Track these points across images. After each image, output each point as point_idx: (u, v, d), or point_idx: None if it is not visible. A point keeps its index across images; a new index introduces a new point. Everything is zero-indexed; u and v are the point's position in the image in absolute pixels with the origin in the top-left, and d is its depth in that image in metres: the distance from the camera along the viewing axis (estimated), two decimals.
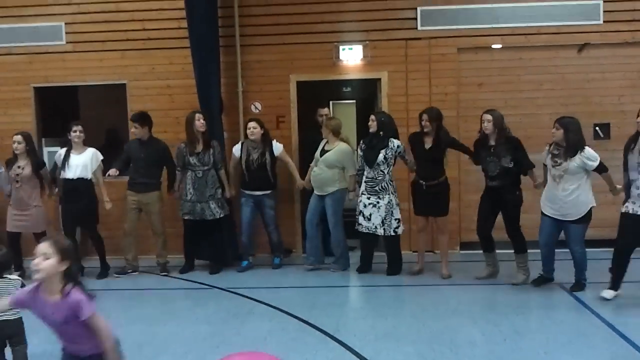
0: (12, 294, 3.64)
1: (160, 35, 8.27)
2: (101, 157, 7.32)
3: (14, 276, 4.32)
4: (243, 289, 6.70)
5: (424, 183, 6.90)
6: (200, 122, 7.29)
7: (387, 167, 6.95)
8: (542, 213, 6.38)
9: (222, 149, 7.52)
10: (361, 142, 7.23)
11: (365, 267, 7.23)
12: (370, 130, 7.01)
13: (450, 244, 7.46)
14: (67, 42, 8.41)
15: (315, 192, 7.35)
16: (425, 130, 6.86)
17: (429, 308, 5.91)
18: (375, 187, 6.97)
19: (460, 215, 7.94)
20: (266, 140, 7.41)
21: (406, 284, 6.83)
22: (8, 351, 4.43)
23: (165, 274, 7.48)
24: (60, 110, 8.87)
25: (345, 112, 12.60)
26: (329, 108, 11.41)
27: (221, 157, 7.44)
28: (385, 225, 6.95)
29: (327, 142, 7.35)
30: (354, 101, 11.95)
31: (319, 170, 7.26)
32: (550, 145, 6.32)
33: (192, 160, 7.30)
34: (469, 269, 7.08)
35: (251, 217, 7.51)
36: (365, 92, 10.13)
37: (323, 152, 7.30)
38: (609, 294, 5.89)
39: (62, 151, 7.27)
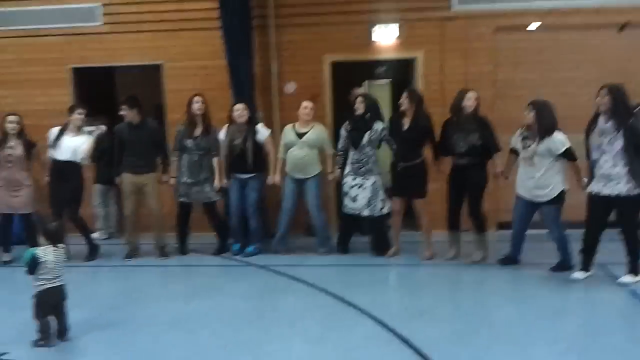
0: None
1: (195, 16, 8.29)
2: (89, 141, 7.32)
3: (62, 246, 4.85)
4: (278, 266, 6.76)
5: (400, 164, 6.86)
6: (197, 105, 7.22)
7: (372, 149, 6.97)
8: (517, 194, 6.43)
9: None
10: (346, 123, 7.16)
11: (344, 248, 7.29)
12: (358, 112, 6.98)
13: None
14: (103, 23, 8.49)
15: (294, 176, 7.22)
16: (402, 108, 6.81)
17: (464, 288, 5.93)
18: (361, 168, 6.97)
19: (497, 196, 7.85)
20: (250, 123, 7.25)
21: (441, 264, 6.81)
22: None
23: (165, 257, 7.40)
24: (97, 91, 8.99)
25: (379, 92, 12.51)
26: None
27: (217, 143, 7.31)
28: (371, 206, 6.96)
29: (296, 124, 7.25)
30: (389, 81, 11.87)
31: (302, 153, 7.13)
32: (521, 128, 6.36)
33: (189, 143, 7.24)
34: (505, 250, 7.02)
35: (237, 200, 7.33)
36: (401, 72, 10.05)
37: (298, 134, 7.19)
38: (581, 274, 5.99)
39: (55, 130, 7.24)
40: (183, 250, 7.53)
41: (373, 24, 8.07)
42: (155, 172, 7.34)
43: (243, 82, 7.76)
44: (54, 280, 4.71)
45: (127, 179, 7.26)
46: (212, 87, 8.14)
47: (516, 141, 6.41)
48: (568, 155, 6.11)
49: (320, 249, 7.38)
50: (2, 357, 4.48)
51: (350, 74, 9.04)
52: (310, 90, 8.12)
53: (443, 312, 5.22)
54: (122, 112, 7.27)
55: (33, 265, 4.64)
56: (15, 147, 7.07)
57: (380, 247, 7.17)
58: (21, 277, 6.74)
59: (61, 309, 4.77)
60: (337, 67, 8.25)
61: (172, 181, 7.33)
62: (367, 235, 7.36)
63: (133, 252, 7.46)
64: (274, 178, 7.27)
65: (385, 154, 7.35)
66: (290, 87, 8.24)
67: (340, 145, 7.17)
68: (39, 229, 4.78)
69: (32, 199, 7.26)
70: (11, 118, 7.11)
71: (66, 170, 7.13)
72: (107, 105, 9.00)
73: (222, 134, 7.29)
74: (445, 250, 6.96)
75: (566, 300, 5.52)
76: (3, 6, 8.58)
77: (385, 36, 8.09)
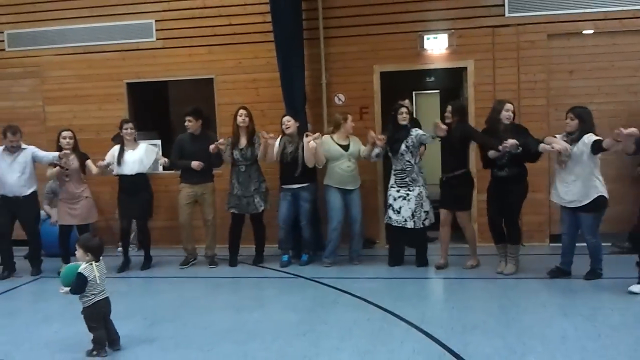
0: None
1: (246, 30, 8.42)
2: (156, 149, 7.62)
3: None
4: (327, 279, 6.75)
5: (444, 175, 6.87)
6: (241, 118, 7.36)
7: (412, 157, 6.93)
8: (560, 205, 6.40)
9: None
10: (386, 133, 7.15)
11: (397, 261, 7.21)
12: (403, 122, 6.96)
13: (540, 236, 7.26)
14: (157, 39, 8.70)
15: (341, 187, 7.25)
16: (446, 121, 6.79)
17: (518, 301, 5.77)
18: (405, 178, 6.95)
19: (550, 207, 7.67)
20: (302, 134, 7.33)
21: (492, 277, 6.67)
22: None
23: (214, 266, 7.59)
24: (151, 105, 9.19)
25: (428, 102, 12.46)
26: (410, 99, 11.37)
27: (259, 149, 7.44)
28: (415, 217, 6.91)
29: (334, 136, 7.30)
30: (438, 91, 11.78)
31: (352, 165, 7.25)
32: (562, 134, 6.30)
33: (236, 155, 7.39)
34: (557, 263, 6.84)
35: (288, 212, 7.42)
36: (450, 81, 9.96)
37: (342, 147, 7.25)
38: (637, 288, 5.81)
39: (116, 148, 7.48)
40: (233, 261, 7.63)
41: (423, 34, 8.01)
42: (213, 182, 7.53)
43: (295, 95, 7.81)
44: (100, 294, 4.79)
45: (184, 189, 7.46)
46: (262, 100, 8.27)
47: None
48: (596, 146, 5.96)
49: (356, 258, 7.46)
50: None
51: (399, 84, 9.02)
52: (359, 102, 8.12)
53: (495, 326, 5.09)
54: (186, 123, 7.45)
55: (82, 285, 4.67)
56: (71, 162, 7.29)
57: (423, 259, 7.13)
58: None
59: (109, 319, 4.89)
60: (385, 77, 8.22)
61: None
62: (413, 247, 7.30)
63: (191, 259, 7.67)
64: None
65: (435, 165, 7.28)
66: (340, 99, 8.24)
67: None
68: (81, 244, 4.74)
69: (91, 210, 7.49)
70: (65, 134, 7.36)
71: (137, 183, 7.40)
72: (160, 118, 9.20)
73: (276, 144, 7.40)
74: (493, 261, 6.91)
75: (624, 315, 5.32)
76: (61, 24, 8.87)
77: (435, 46, 8.03)
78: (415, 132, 6.97)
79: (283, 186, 7.41)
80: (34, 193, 7.39)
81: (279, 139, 7.40)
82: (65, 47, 8.91)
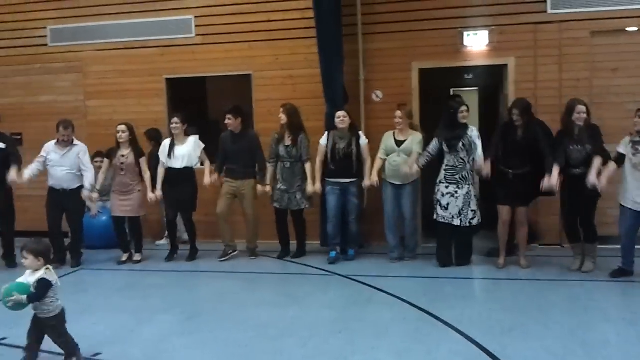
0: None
1: (284, 26, 8.42)
2: (202, 145, 7.71)
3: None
4: (362, 277, 6.71)
5: (510, 172, 6.73)
6: (283, 116, 7.43)
7: (467, 155, 6.85)
8: (621, 205, 6.27)
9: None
10: (438, 131, 7.05)
11: (446, 259, 7.10)
12: (464, 121, 6.91)
13: None
14: (196, 35, 8.76)
15: (391, 182, 7.26)
16: (516, 124, 6.72)
17: (558, 303, 5.66)
18: (455, 175, 6.88)
19: (597, 208, 7.49)
20: (353, 130, 7.37)
21: (533, 277, 6.57)
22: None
23: (255, 257, 7.76)
24: (189, 100, 9.25)
25: (466, 100, 12.26)
26: (448, 97, 11.22)
27: (307, 150, 7.48)
28: (462, 215, 6.84)
29: (395, 132, 7.29)
30: (477, 88, 11.61)
31: (401, 160, 7.16)
32: (631, 134, 6.22)
33: (281, 151, 7.49)
34: (603, 265, 6.69)
35: (337, 206, 7.42)
36: (489, 79, 9.82)
37: (397, 142, 7.24)
38: None
39: (167, 142, 7.66)
40: (284, 254, 7.76)
41: (463, 30, 7.92)
42: (253, 179, 7.57)
43: (337, 91, 7.79)
44: (60, 301, 4.44)
45: (226, 183, 7.62)
46: (299, 96, 8.25)
47: (625, 147, 6.24)
48: None
49: (408, 254, 7.42)
50: (97, 357, 4.66)
51: (437, 81, 8.92)
52: (397, 98, 8.04)
53: (534, 329, 5.00)
54: (227, 121, 7.53)
55: (46, 291, 4.28)
56: (127, 155, 7.46)
57: (464, 257, 7.06)
58: (117, 279, 7.07)
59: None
60: (422, 74, 8.14)
61: (268, 189, 7.54)
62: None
63: (230, 251, 7.76)
64: (372, 179, 7.27)
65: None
66: (378, 95, 8.19)
67: (430, 148, 7.05)
68: (30, 250, 4.26)
69: (141, 204, 7.65)
70: (120, 127, 7.52)
71: (182, 177, 7.55)
72: (199, 114, 9.27)
73: (323, 140, 7.44)
74: (544, 263, 6.84)
75: None
76: (102, 20, 9.00)
77: (475, 42, 7.92)
78: (472, 131, 6.90)
79: (330, 179, 7.41)
80: (81, 187, 7.49)
81: (326, 134, 7.45)
82: (106, 43, 9.05)
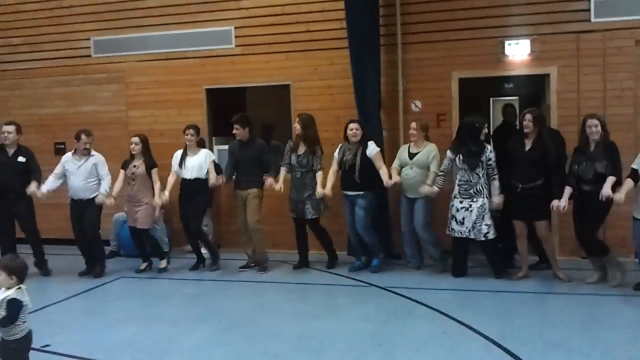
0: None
1: (323, 37, 8.43)
2: (213, 157, 7.81)
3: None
4: (401, 289, 6.64)
5: (519, 185, 6.63)
6: (297, 126, 7.47)
7: (482, 169, 6.79)
8: (634, 218, 6.21)
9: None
10: (453, 147, 7.00)
11: (460, 272, 7.06)
12: (482, 138, 6.86)
13: (625, 251, 6.93)
14: (236, 46, 8.82)
15: (406, 195, 7.27)
16: (526, 131, 6.61)
17: (601, 319, 5.52)
18: (469, 190, 6.84)
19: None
20: (362, 141, 7.29)
21: (575, 292, 6.42)
22: None
23: (264, 272, 7.63)
24: (229, 110, 9.30)
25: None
26: (487, 106, 11.12)
27: (319, 160, 7.45)
28: (475, 229, 6.78)
29: (411, 144, 7.29)
30: (517, 98, 11.47)
31: (412, 173, 7.15)
32: None
33: (293, 160, 7.50)
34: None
35: (351, 217, 7.42)
36: (530, 88, 9.69)
37: (410, 154, 7.21)
38: None
39: (179, 152, 7.70)
40: (301, 264, 7.74)
41: (504, 39, 7.82)
42: (258, 188, 7.53)
43: (369, 101, 7.76)
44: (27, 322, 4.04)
45: (236, 194, 7.62)
46: (338, 106, 8.25)
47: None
48: None
49: (435, 267, 7.38)
50: None
51: (476, 90, 8.83)
52: (436, 109, 8.00)
53: (578, 345, 4.88)
54: (234, 131, 7.54)
55: (17, 312, 3.92)
56: (138, 166, 7.54)
57: (499, 268, 6.99)
58: (156, 287, 7.13)
59: None
60: (461, 83, 8.05)
61: (277, 187, 7.48)
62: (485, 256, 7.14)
63: (250, 263, 7.78)
64: (390, 181, 7.19)
65: None
66: (417, 105, 8.14)
67: (443, 166, 7.01)
68: (2, 266, 3.95)
69: (150, 216, 7.70)
70: (134, 139, 7.62)
71: (194, 188, 7.58)
72: None
73: (336, 152, 7.45)
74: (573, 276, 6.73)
75: None
76: (143, 31, 9.13)
77: (517, 52, 7.81)
78: (489, 151, 6.84)
79: (344, 192, 7.43)
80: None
81: (339, 147, 7.46)
82: (148, 54, 9.17)
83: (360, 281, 7.10)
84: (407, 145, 7.37)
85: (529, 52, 7.78)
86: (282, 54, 8.62)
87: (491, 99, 11.93)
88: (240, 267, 7.76)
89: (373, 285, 6.91)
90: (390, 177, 7.19)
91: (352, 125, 7.28)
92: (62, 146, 9.26)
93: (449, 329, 5.37)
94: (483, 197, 6.80)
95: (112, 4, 9.25)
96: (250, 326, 5.61)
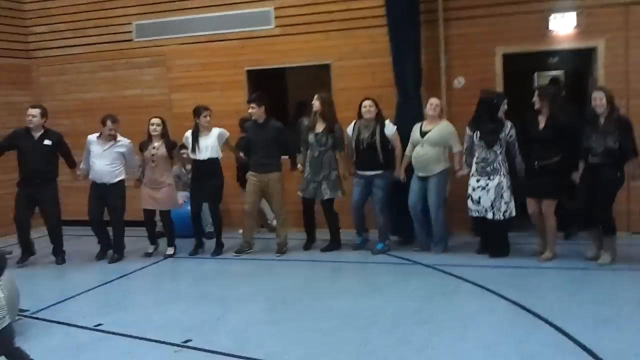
0: None
1: (363, 15, 8.35)
2: (227, 134, 7.69)
3: None
4: (446, 266, 6.61)
5: (536, 162, 6.50)
6: (317, 103, 7.35)
7: (500, 147, 6.66)
8: None
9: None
10: (471, 123, 6.88)
11: (501, 250, 6.94)
12: (502, 115, 6.74)
13: None
14: (275, 26, 8.81)
15: (417, 174, 7.13)
16: (536, 107, 6.49)
17: None
18: (486, 167, 6.70)
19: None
20: (379, 119, 7.19)
21: (621, 268, 6.30)
22: None
23: (282, 254, 7.57)
24: (269, 91, 9.33)
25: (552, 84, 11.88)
26: (532, 81, 10.89)
27: (342, 140, 7.38)
28: (494, 208, 6.64)
29: (424, 122, 7.17)
30: (562, 72, 11.22)
31: (423, 150, 7.02)
32: None
33: (310, 139, 7.38)
34: None
35: (359, 198, 7.34)
36: (575, 62, 9.46)
37: (422, 133, 7.08)
38: None
39: (189, 133, 7.62)
40: (308, 245, 7.73)
41: (549, 13, 7.63)
42: (279, 172, 7.49)
43: (407, 79, 7.68)
44: (7, 317, 3.87)
45: (250, 177, 7.52)
46: (378, 85, 8.20)
47: None
48: None
49: (435, 247, 7.26)
50: (186, 344, 4.78)
51: (520, 65, 8.66)
52: (480, 85, 7.83)
53: (628, 321, 4.81)
54: (250, 110, 7.46)
55: None
56: (158, 148, 7.54)
57: (498, 249, 6.89)
58: (203, 267, 7.23)
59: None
60: (504, 58, 7.91)
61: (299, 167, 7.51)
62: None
63: (245, 248, 7.70)
64: (399, 172, 7.22)
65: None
66: (460, 82, 8.03)
67: (466, 144, 6.94)
68: None
69: (172, 197, 7.74)
70: (154, 120, 7.60)
71: (207, 168, 7.54)
72: (278, 104, 9.36)
73: (349, 130, 7.36)
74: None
75: None
76: (184, 14, 9.19)
77: (562, 25, 7.62)
78: (509, 128, 6.72)
79: (357, 171, 7.35)
80: (122, 181, 7.62)
81: (352, 124, 7.35)
82: (189, 37, 9.23)
83: (404, 259, 7.09)
84: (419, 124, 7.23)
85: (575, 25, 7.58)
86: (322, 34, 8.58)
87: (536, 73, 11.71)
88: (235, 253, 7.65)
89: (418, 262, 6.89)
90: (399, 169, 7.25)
91: (365, 102, 7.21)
92: None
93: (496, 306, 5.34)
94: (500, 175, 6.67)
95: None
96: (296, 304, 5.67)
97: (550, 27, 7.66)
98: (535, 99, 6.54)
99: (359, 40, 8.41)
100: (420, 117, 7.53)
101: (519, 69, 8.54)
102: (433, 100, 7.16)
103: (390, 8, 7.64)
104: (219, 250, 7.76)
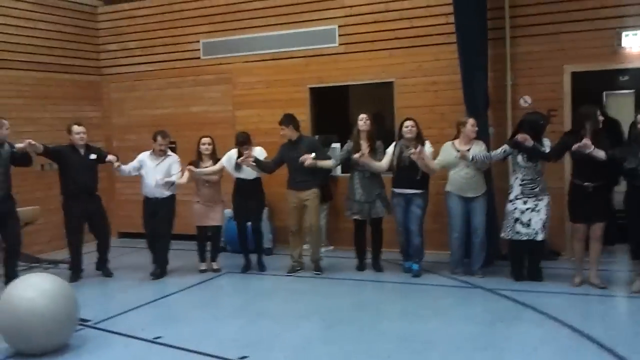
0: None
1: (427, 32, 8.30)
2: (265, 154, 7.68)
3: None
4: (507, 291, 6.43)
5: (587, 184, 6.28)
6: (362, 122, 7.30)
7: (543, 166, 6.65)
8: None
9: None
10: (512, 142, 6.65)
11: (519, 274, 6.84)
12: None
13: None
14: (339, 44, 8.85)
15: (463, 195, 6.97)
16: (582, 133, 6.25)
17: None
18: (535, 188, 6.58)
19: None
20: (419, 139, 7.11)
21: None
22: None
23: (319, 272, 7.53)
24: (332, 108, 9.37)
25: (621, 103, 11.52)
26: (601, 100, 10.57)
27: (382, 153, 7.33)
28: (546, 229, 6.58)
29: (456, 142, 7.06)
30: (633, 91, 10.85)
31: (472, 171, 6.89)
32: None
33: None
34: None
35: (404, 217, 7.24)
36: None
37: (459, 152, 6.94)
38: None
39: (233, 153, 7.61)
40: (361, 266, 7.65)
41: (620, 30, 7.39)
42: (317, 188, 7.50)
43: (477, 97, 7.55)
44: None
45: (289, 195, 7.54)
46: (441, 103, 8.14)
47: None
48: None
49: (479, 271, 7.12)
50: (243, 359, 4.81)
51: (588, 84, 8.41)
52: (547, 104, 7.68)
53: None
54: (281, 132, 7.53)
55: None
56: (209, 167, 7.65)
57: (539, 272, 6.79)
58: (261, 283, 7.26)
59: None
60: (573, 77, 7.69)
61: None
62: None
63: (297, 267, 7.69)
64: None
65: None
66: (526, 101, 7.86)
67: (496, 153, 6.84)
68: None
69: (222, 213, 7.87)
70: (205, 140, 7.74)
71: (253, 187, 7.67)
72: (340, 121, 9.38)
73: (390, 149, 7.30)
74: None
75: None
76: (250, 32, 9.34)
77: (635, 43, 7.36)
78: (547, 142, 6.58)
79: (395, 190, 7.26)
80: (172, 196, 7.71)
81: (393, 144, 7.29)
82: (254, 54, 9.37)
83: (464, 282, 6.93)
84: (450, 143, 7.10)
85: None
86: (385, 51, 8.56)
87: (605, 92, 11.37)
88: (287, 272, 7.63)
89: (477, 286, 6.72)
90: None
91: (407, 123, 7.17)
92: (174, 145, 9.59)
93: (559, 334, 5.15)
94: (546, 195, 6.60)
95: (220, 7, 9.52)
96: (353, 324, 5.62)
97: (622, 45, 7.40)
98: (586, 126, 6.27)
99: (422, 57, 8.36)
100: (486, 135, 7.37)
101: (588, 88, 8.28)
102: (473, 121, 7.04)
103: (461, 26, 7.52)
104: (262, 266, 7.88)
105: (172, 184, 7.55)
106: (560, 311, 5.67)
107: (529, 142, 6.34)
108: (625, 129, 8.27)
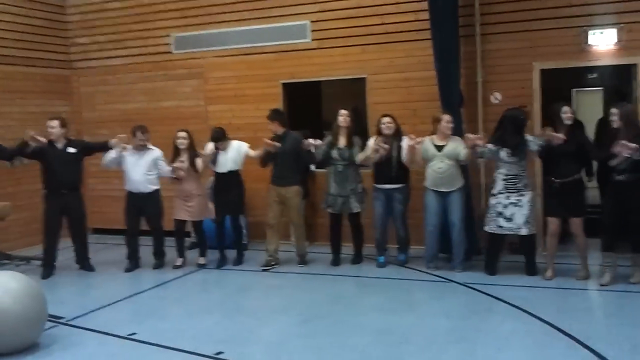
0: None
1: (399, 29, 8.34)
2: (245, 146, 7.73)
3: None
4: (480, 285, 6.53)
5: (557, 181, 6.46)
6: (342, 118, 7.38)
7: (527, 161, 6.76)
8: None
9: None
10: (495, 139, 6.76)
11: (493, 269, 6.96)
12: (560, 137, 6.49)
13: None
14: (312, 40, 8.85)
15: (437, 189, 7.05)
16: (614, 125, 6.30)
17: None
18: (517, 184, 6.68)
19: None
20: (397, 135, 7.24)
21: None
22: None
23: (302, 265, 7.68)
24: (304, 104, 9.38)
25: (589, 101, 11.76)
26: (570, 98, 10.76)
27: (360, 150, 7.40)
28: (529, 224, 6.64)
29: (434, 137, 7.13)
30: (601, 89, 11.08)
31: (445, 166, 6.97)
32: None
33: (334, 154, 7.41)
34: None
35: (383, 212, 7.36)
36: (615, 79, 9.33)
37: (438, 147, 7.04)
38: None
39: (211, 146, 7.66)
40: (335, 261, 7.70)
41: (587, 29, 7.54)
42: (299, 185, 7.60)
43: (453, 93, 7.63)
44: None
45: (271, 190, 7.61)
46: (414, 99, 8.20)
47: None
48: None
49: (459, 266, 7.17)
50: (219, 356, 4.80)
51: (558, 81, 8.56)
52: (517, 101, 7.76)
53: None
54: (269, 127, 7.59)
55: None
56: (185, 162, 7.63)
57: (534, 267, 6.87)
58: (236, 279, 7.26)
59: None
60: (542, 74, 7.81)
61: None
62: (522, 255, 7.00)
63: (272, 262, 7.69)
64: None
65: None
66: (496, 98, 7.97)
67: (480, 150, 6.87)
68: None
69: (203, 207, 7.84)
70: (180, 134, 7.71)
71: (230, 180, 7.68)
72: (313, 116, 9.41)
73: (370, 143, 7.37)
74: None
75: None
76: (221, 27, 9.30)
77: (602, 41, 7.51)
78: (531, 137, 6.73)
79: (376, 185, 7.38)
80: (157, 190, 7.73)
81: (373, 139, 7.37)
82: (225, 49, 9.32)
83: (438, 276, 7.01)
84: (429, 139, 7.16)
85: (615, 41, 7.47)
86: (358, 47, 8.59)
87: (573, 90, 11.58)
88: (262, 267, 7.62)
89: (451, 280, 6.81)
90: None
91: (385, 119, 7.29)
92: None
93: (532, 327, 5.25)
94: (529, 190, 6.72)
95: (191, 1, 9.44)
96: (329, 319, 5.66)
97: (589, 43, 7.55)
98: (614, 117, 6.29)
99: (395, 54, 8.40)
100: (460, 132, 7.46)
101: (557, 86, 8.43)
102: (449, 118, 7.11)
103: (436, 23, 7.56)
104: (240, 259, 7.93)
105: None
106: (534, 304, 5.77)
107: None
108: (591, 126, 8.59)
